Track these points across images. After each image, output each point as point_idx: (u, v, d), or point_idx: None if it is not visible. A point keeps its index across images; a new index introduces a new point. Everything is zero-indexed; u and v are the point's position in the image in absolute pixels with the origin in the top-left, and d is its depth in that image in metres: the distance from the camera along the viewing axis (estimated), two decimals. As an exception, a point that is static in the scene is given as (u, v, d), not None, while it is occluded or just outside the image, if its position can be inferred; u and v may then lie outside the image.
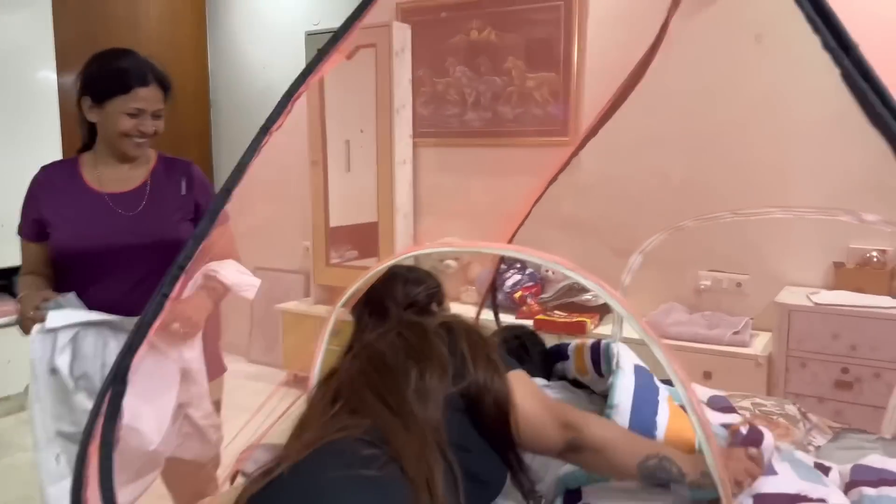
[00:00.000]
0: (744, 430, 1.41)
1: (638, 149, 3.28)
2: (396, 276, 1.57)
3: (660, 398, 1.59)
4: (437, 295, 1.60)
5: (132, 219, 1.81)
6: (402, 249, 1.57)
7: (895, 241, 2.86)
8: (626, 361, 1.67)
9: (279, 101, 1.22)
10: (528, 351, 2.05)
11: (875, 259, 2.84)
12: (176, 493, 2.01)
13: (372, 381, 1.23)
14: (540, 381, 1.89)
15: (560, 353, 1.94)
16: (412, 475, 1.06)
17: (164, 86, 1.79)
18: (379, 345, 1.32)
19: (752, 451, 1.29)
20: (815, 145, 2.94)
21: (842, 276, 2.89)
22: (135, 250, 1.78)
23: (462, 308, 3.53)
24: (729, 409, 1.84)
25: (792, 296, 2.85)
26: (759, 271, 3.12)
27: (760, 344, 2.92)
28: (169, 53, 4.46)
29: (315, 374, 1.47)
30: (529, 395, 1.32)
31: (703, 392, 1.95)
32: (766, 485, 1.34)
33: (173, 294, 1.21)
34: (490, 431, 1.26)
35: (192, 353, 1.75)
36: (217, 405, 1.99)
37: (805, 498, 1.33)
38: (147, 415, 1.63)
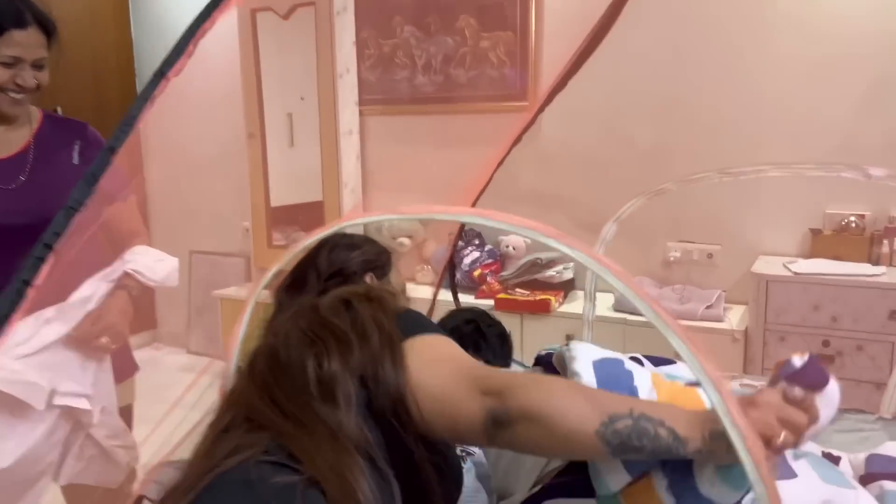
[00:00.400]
0: (798, 360, 0.88)
1: (601, 114, 3.06)
2: (325, 244, 1.30)
3: (636, 382, 1.35)
4: (377, 263, 1.32)
5: (10, 193, 1.49)
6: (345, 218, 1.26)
7: (873, 204, 2.70)
8: (582, 364, 1.34)
9: (178, 42, 0.94)
10: (485, 336, 1.79)
11: (853, 224, 2.68)
12: None
13: (264, 383, 0.95)
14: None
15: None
16: (332, 496, 0.80)
17: (48, 29, 1.47)
18: (275, 335, 1.03)
19: (796, 391, 0.83)
20: (788, 105, 2.76)
21: (819, 244, 2.73)
22: (13, 233, 1.46)
23: (418, 289, 3.28)
24: None
25: (768, 266, 2.68)
26: (731, 241, 2.95)
27: (735, 318, 2.74)
28: (87, 21, 4.04)
29: (231, 372, 1.17)
30: (432, 361, 0.96)
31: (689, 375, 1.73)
32: (786, 491, 1.12)
33: (38, 281, 0.92)
34: (388, 421, 0.92)
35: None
36: (127, 412, 1.70)
37: None
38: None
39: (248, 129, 3.68)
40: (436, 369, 0.95)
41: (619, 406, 0.85)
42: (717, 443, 0.81)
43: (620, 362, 1.32)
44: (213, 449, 0.86)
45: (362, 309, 1.01)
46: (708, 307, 2.76)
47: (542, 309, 2.87)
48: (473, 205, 2.58)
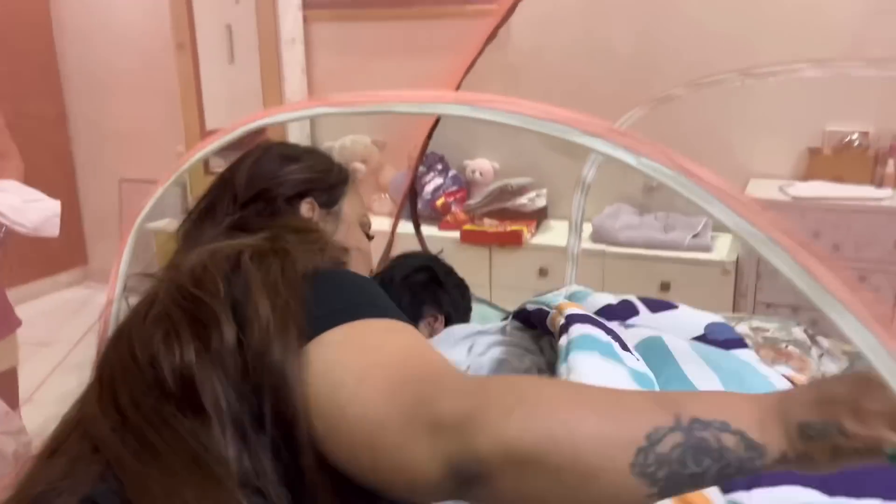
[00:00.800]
0: None
1: (575, 19, 2.71)
2: (251, 153, 0.98)
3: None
4: (322, 184, 0.96)
5: None
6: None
7: (877, 121, 2.44)
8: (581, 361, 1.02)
9: None
10: (444, 285, 1.48)
11: (856, 143, 2.43)
12: None
13: (110, 380, 0.62)
14: (468, 328, 1.30)
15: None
16: None
17: None
18: (139, 305, 0.68)
19: None
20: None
21: (817, 164, 2.48)
22: None
23: (375, 220, 2.95)
24: (738, 343, 1.37)
25: (762, 189, 2.42)
26: (719, 162, 2.65)
27: (724, 247, 2.50)
28: None
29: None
30: (351, 364, 0.58)
31: (699, 318, 1.45)
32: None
33: None
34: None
35: None
36: (10, 379, 1.38)
37: None
38: None
39: (176, 38, 3.23)
40: (356, 380, 0.56)
41: (658, 413, 0.52)
42: (814, 442, 0.51)
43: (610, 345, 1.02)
44: (25, 486, 0.56)
45: (251, 273, 0.65)
46: (694, 236, 2.51)
47: (513, 241, 2.59)
48: (435, 124, 2.25)
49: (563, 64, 2.77)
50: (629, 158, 0.44)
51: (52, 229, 1.23)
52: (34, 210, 1.20)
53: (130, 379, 0.60)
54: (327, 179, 0.98)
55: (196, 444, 0.56)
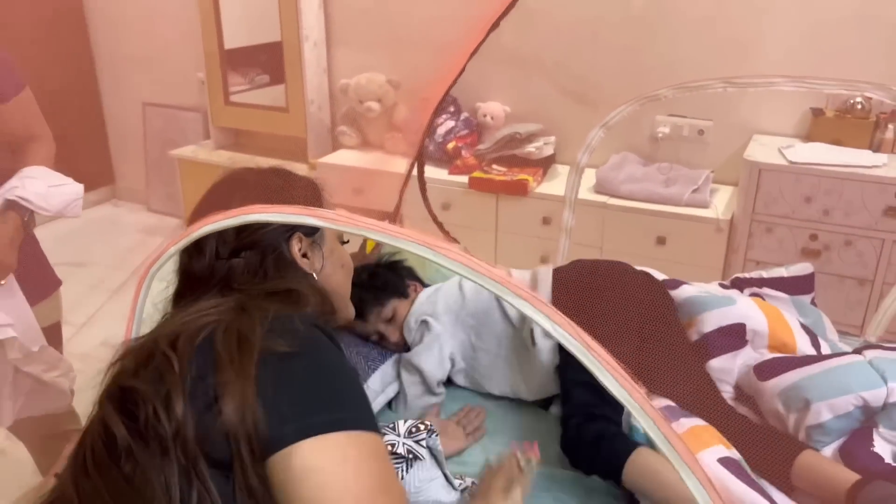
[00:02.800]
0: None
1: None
2: (236, 185, 1.01)
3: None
4: (296, 230, 0.98)
5: None
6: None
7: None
8: None
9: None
10: (377, 275, 1.61)
11: (859, 106, 2.47)
12: (27, 442, 1.64)
13: (83, 463, 0.72)
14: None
15: None
16: None
17: None
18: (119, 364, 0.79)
19: None
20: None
21: (819, 126, 2.53)
22: None
23: (389, 160, 3.07)
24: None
25: (762, 150, 2.49)
26: (725, 117, 2.73)
27: (721, 203, 2.60)
28: None
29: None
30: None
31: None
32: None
33: None
34: None
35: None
36: (55, 331, 1.56)
37: None
38: None
39: (195, -33, 3.24)
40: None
41: None
42: None
43: None
44: None
45: (221, 353, 0.74)
46: (694, 191, 2.60)
47: (519, 191, 2.70)
48: (455, 81, 2.29)
49: (574, 12, 2.78)
50: (546, 323, 0.56)
51: (75, 211, 1.36)
52: (58, 194, 1.32)
53: (94, 456, 0.72)
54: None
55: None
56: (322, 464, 0.69)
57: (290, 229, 0.98)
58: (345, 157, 3.18)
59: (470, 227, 2.79)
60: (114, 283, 3.25)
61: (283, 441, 0.69)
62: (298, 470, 0.69)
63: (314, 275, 0.99)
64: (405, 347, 1.56)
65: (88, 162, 4.01)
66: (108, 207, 4.15)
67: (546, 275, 1.53)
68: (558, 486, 1.23)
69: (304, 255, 0.98)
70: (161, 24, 3.67)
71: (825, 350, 1.54)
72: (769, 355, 1.48)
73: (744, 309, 1.53)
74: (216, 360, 0.73)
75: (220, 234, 0.93)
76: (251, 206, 0.76)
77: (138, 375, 0.74)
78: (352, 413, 0.75)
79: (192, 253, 0.93)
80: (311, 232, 1.00)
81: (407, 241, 0.64)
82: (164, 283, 0.98)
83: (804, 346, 1.52)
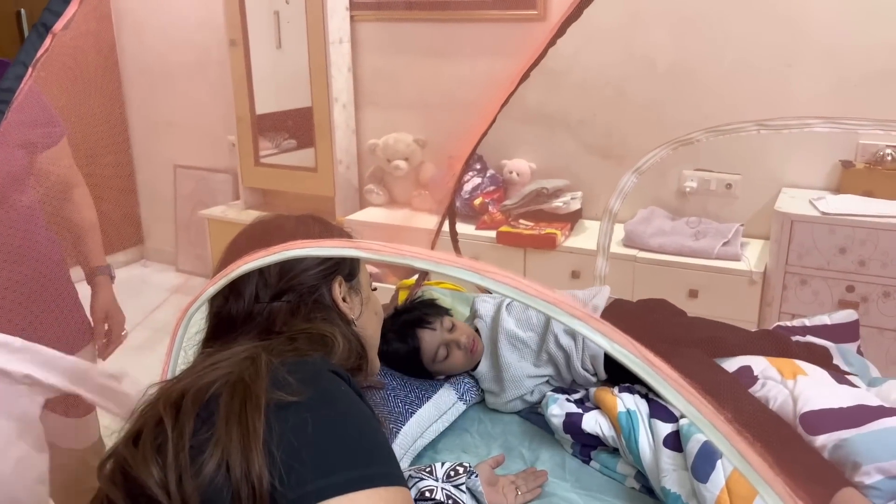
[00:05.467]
0: None
1: (617, 28, 2.75)
2: (270, 230, 1.01)
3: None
4: (343, 261, 0.98)
5: None
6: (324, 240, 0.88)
7: (912, 136, 2.47)
8: None
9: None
10: (416, 309, 1.69)
11: (889, 157, 2.46)
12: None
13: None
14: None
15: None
16: None
17: None
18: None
19: None
20: (824, 23, 2.47)
21: (849, 178, 2.52)
22: None
23: (416, 216, 3.09)
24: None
25: (793, 202, 2.47)
26: (753, 170, 2.73)
27: (753, 256, 2.57)
28: None
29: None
30: None
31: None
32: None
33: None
34: None
35: None
36: None
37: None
38: None
39: (230, 35, 3.36)
40: None
41: None
42: None
43: None
44: None
45: (227, 415, 0.70)
46: (724, 244, 2.58)
47: (547, 244, 2.70)
48: (484, 134, 2.32)
49: (600, 72, 2.83)
50: (604, 342, 0.54)
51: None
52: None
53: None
54: (346, 258, 0.98)
55: None
56: None
57: (331, 272, 0.96)
58: (372, 215, 3.22)
59: (498, 282, 2.77)
60: (138, 341, 3.26)
61: (302, 502, 0.65)
62: None
63: (354, 321, 0.98)
64: (469, 358, 1.62)
65: (119, 223, 4.08)
66: (136, 268, 4.20)
67: (602, 298, 1.57)
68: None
69: (344, 300, 0.97)
70: (194, 88, 3.79)
71: (862, 388, 1.49)
72: (795, 385, 1.43)
73: (740, 360, 1.52)
74: (219, 418, 0.70)
75: (261, 277, 0.92)
76: (292, 241, 0.75)
77: (138, 446, 0.71)
78: (380, 468, 0.70)
79: (229, 296, 0.92)
80: (349, 277, 0.99)
81: (454, 267, 0.63)
82: (195, 328, 0.97)
83: (812, 372, 1.47)
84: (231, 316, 0.92)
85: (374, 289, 1.08)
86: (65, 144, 1.45)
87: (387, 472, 0.70)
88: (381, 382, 1.52)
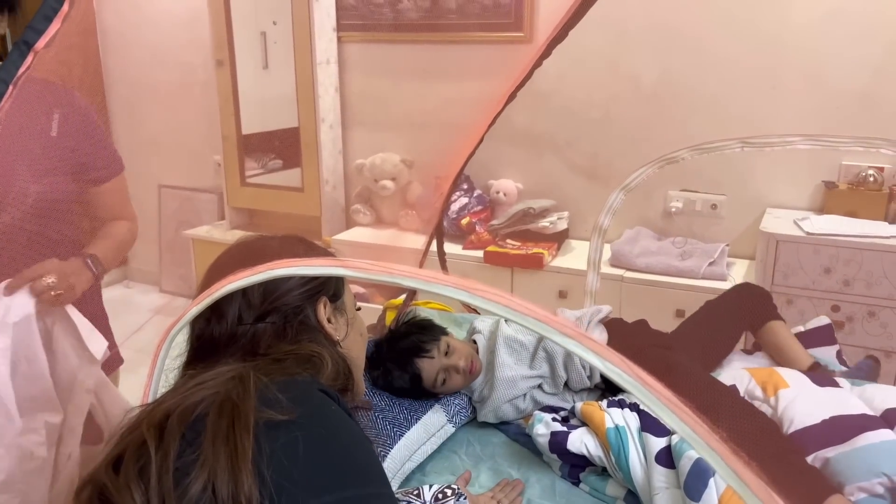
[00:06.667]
0: None
1: (603, 49, 2.78)
2: (254, 250, 0.98)
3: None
4: (327, 282, 0.96)
5: None
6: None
7: (894, 157, 2.50)
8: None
9: (40, 8, 0.70)
10: (409, 335, 1.67)
11: (871, 178, 2.49)
12: None
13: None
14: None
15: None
16: None
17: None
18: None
19: None
20: (807, 42, 2.50)
21: (832, 198, 2.54)
22: None
23: (403, 236, 3.09)
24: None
25: (777, 222, 2.49)
26: (737, 192, 2.75)
27: (739, 275, 2.58)
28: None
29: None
30: None
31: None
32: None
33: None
34: None
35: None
36: None
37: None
38: None
39: (216, 55, 3.36)
40: None
41: None
42: None
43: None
44: None
45: (213, 436, 0.68)
46: (710, 264, 2.59)
47: (534, 264, 2.70)
48: (471, 154, 2.33)
49: (586, 92, 2.85)
50: (596, 361, 0.54)
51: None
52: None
53: None
54: (330, 278, 0.97)
55: None
56: None
57: (316, 293, 0.95)
58: (359, 234, 3.20)
59: (485, 303, 2.76)
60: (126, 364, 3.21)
61: None
62: None
63: (339, 342, 0.96)
64: (468, 378, 1.61)
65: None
66: (119, 289, 4.14)
67: (595, 316, 1.56)
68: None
69: (329, 321, 0.95)
70: (179, 107, 3.77)
71: (845, 388, 1.49)
72: (777, 402, 1.44)
73: (725, 377, 1.54)
74: (206, 438, 0.67)
75: (244, 298, 0.90)
76: (277, 261, 0.73)
77: (119, 471, 0.68)
78: (374, 489, 0.69)
79: (211, 318, 0.90)
80: (334, 297, 0.98)
81: (443, 285, 0.62)
82: (176, 351, 0.95)
83: (793, 380, 1.49)
84: (214, 338, 0.90)
85: (359, 308, 1.07)
86: (119, 181, 1.45)
87: (380, 493, 0.69)
88: (369, 403, 1.50)
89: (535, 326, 0.57)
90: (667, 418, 0.51)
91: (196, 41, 3.52)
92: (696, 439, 0.51)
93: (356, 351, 1.01)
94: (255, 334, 0.89)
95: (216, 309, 0.89)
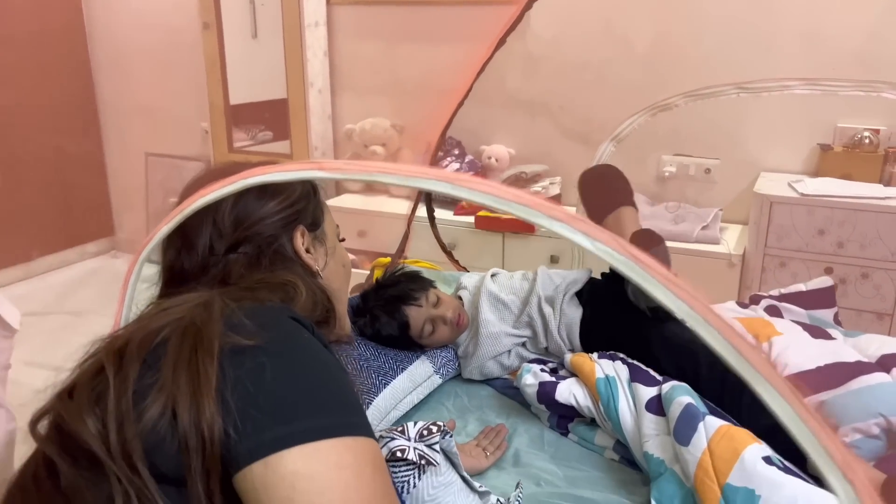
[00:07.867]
0: None
1: (595, 10, 2.73)
2: (227, 170, 0.97)
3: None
4: (303, 211, 0.92)
5: None
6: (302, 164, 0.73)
7: (889, 118, 2.47)
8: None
9: None
10: (398, 283, 1.64)
11: (867, 140, 2.46)
12: None
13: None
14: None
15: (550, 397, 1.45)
16: None
17: None
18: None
19: None
20: (801, 9, 2.46)
21: (827, 161, 2.51)
22: None
23: (393, 202, 3.04)
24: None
25: (771, 185, 2.46)
26: (731, 155, 2.72)
27: (731, 240, 2.55)
28: None
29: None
30: None
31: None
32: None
33: None
34: None
35: None
36: None
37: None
38: None
39: (203, 17, 3.29)
40: None
41: None
42: None
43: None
44: None
45: (172, 350, 0.66)
46: (703, 228, 2.56)
47: (526, 229, 2.66)
48: (456, 110, 2.31)
49: (579, 55, 2.81)
50: (586, 242, 0.51)
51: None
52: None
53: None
54: (308, 205, 0.94)
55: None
56: (316, 470, 0.60)
57: (292, 221, 0.91)
58: (349, 201, 3.16)
59: (476, 266, 2.73)
60: (108, 331, 3.18)
61: (261, 450, 0.60)
62: (286, 478, 0.59)
63: (319, 273, 0.92)
64: (455, 331, 1.58)
65: (89, 213, 3.98)
66: (106, 259, 4.09)
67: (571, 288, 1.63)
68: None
69: (307, 251, 0.91)
70: (165, 75, 3.70)
71: (839, 340, 1.47)
72: (770, 349, 1.41)
73: None
74: (165, 363, 0.65)
75: (215, 227, 0.86)
76: (251, 169, 0.69)
77: (74, 398, 0.66)
78: (345, 417, 0.65)
79: (181, 248, 0.86)
80: (312, 226, 0.94)
81: (425, 179, 0.59)
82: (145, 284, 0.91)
83: (786, 329, 1.47)
84: (184, 270, 0.87)
85: (342, 239, 1.03)
86: None
87: (353, 422, 0.65)
88: (351, 337, 1.46)
89: (523, 212, 0.54)
90: (662, 297, 0.48)
91: (182, 4, 3.44)
92: (693, 316, 0.48)
93: (338, 282, 0.97)
94: (226, 265, 0.85)
95: (186, 239, 0.86)
